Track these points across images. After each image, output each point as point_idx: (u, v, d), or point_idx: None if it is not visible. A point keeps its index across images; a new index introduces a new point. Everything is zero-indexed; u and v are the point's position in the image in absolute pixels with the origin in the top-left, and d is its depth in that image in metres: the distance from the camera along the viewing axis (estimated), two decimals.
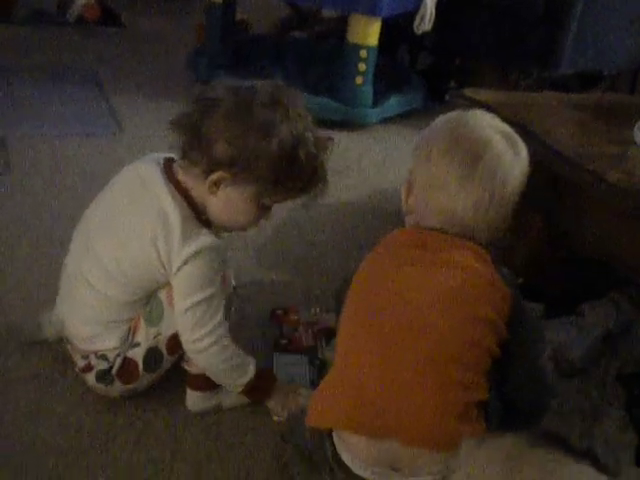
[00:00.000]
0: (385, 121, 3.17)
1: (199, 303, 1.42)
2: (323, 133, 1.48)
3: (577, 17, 3.03)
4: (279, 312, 1.86)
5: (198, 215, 1.45)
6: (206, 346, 1.44)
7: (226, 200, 1.44)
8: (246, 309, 1.76)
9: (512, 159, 1.30)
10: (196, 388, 1.55)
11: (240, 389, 1.53)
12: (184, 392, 1.56)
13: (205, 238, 1.42)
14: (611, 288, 1.68)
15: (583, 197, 1.63)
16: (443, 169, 1.29)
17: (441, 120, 1.38)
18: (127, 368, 1.49)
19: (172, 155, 1.49)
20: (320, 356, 1.73)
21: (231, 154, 1.38)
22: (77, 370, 1.55)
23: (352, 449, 1.23)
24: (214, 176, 1.40)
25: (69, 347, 1.57)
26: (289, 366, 1.70)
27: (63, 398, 1.54)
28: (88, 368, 1.51)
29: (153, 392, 1.55)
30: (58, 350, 1.61)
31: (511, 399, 1.29)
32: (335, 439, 1.26)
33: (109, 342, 1.49)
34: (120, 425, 1.50)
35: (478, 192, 1.27)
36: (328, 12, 3.92)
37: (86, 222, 1.54)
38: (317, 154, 1.44)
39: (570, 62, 3.13)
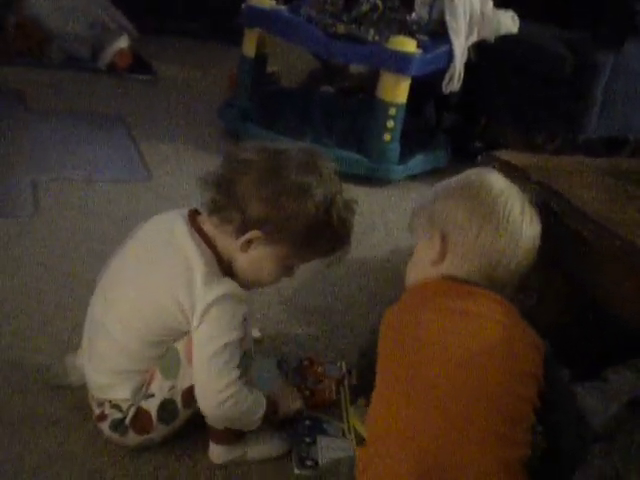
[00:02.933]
0: (409, 178, 3.19)
1: (224, 347, 1.40)
2: (349, 195, 1.51)
3: (604, 81, 3.06)
4: (306, 362, 1.87)
5: (221, 266, 1.45)
6: (228, 396, 1.42)
7: (256, 258, 1.45)
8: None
9: (529, 213, 1.42)
10: (220, 442, 1.54)
11: (258, 423, 1.52)
12: (208, 441, 1.54)
13: (229, 284, 1.42)
14: (635, 353, 1.68)
15: (608, 261, 1.63)
16: (463, 216, 1.39)
17: (459, 176, 1.49)
18: (141, 419, 1.48)
19: (195, 207, 1.50)
20: (344, 413, 1.73)
21: (267, 214, 1.40)
22: (93, 418, 1.54)
23: None
24: (248, 235, 1.42)
25: (89, 394, 1.57)
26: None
27: (85, 443, 1.54)
28: (103, 417, 1.51)
29: (177, 440, 1.55)
30: (82, 395, 1.60)
31: (553, 447, 1.32)
32: None
33: (122, 393, 1.48)
34: (143, 473, 1.49)
35: (498, 240, 1.37)
36: (356, 68, 3.97)
37: (107, 272, 1.55)
38: (347, 217, 1.47)
39: (597, 126, 3.16)
